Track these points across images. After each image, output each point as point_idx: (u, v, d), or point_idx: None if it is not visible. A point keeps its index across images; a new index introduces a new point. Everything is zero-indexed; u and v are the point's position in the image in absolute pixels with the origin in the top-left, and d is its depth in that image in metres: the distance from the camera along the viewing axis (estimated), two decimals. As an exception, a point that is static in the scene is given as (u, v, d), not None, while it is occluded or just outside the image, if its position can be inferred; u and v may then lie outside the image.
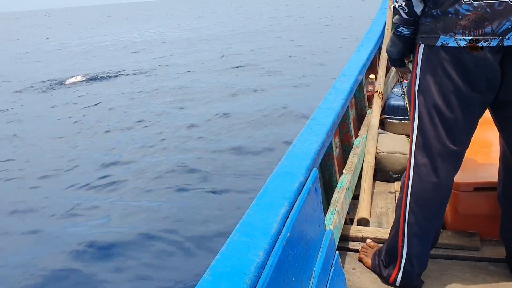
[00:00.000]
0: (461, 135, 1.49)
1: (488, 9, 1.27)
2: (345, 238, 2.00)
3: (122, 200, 4.73)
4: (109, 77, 12.25)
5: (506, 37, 1.28)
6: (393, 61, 1.64)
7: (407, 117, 3.06)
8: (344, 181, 2.07)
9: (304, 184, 1.45)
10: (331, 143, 2.09)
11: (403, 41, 1.54)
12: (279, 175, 1.47)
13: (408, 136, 2.60)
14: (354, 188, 2.19)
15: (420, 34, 1.44)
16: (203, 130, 6.78)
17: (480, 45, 1.30)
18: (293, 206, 1.30)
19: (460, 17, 1.31)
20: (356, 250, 1.95)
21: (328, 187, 2.16)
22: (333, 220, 1.74)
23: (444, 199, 1.59)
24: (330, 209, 1.83)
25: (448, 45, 1.34)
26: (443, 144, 1.48)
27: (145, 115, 8.02)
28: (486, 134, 1.96)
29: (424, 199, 1.56)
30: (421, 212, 1.57)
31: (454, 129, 1.46)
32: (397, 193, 2.37)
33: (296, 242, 1.24)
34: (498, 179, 1.71)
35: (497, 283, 1.69)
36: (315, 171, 1.55)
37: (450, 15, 1.32)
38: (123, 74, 12.49)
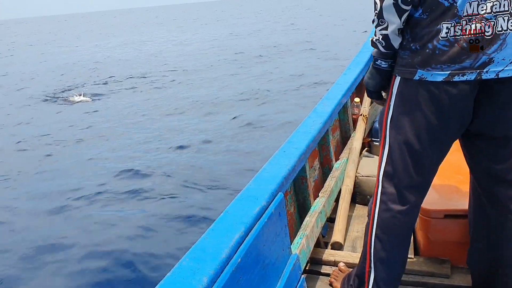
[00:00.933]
0: (429, 167, 1.50)
1: (464, 44, 1.28)
2: (317, 261, 2.00)
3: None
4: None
5: (484, 70, 1.28)
6: (370, 93, 1.63)
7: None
8: (318, 205, 2.08)
9: (266, 208, 1.47)
10: (304, 167, 2.11)
11: (381, 74, 1.53)
12: (242, 199, 1.49)
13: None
14: (329, 211, 2.20)
15: (397, 67, 1.44)
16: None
17: (457, 80, 1.30)
18: (250, 231, 1.32)
19: (437, 52, 1.31)
20: (328, 274, 1.95)
21: (302, 211, 2.17)
22: (301, 244, 1.75)
23: (410, 226, 1.60)
24: (299, 233, 1.84)
25: (426, 79, 1.34)
26: (411, 176, 1.49)
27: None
28: (461, 161, 1.97)
29: (390, 226, 1.57)
30: (387, 239, 1.58)
31: (423, 161, 1.47)
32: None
33: (249, 268, 1.25)
34: (468, 207, 1.72)
35: None
36: (280, 196, 1.57)
37: (428, 50, 1.33)
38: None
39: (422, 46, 1.34)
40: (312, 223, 1.92)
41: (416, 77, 1.36)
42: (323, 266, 2.00)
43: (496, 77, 1.28)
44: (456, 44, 1.29)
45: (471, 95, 1.34)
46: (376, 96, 1.64)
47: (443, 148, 1.48)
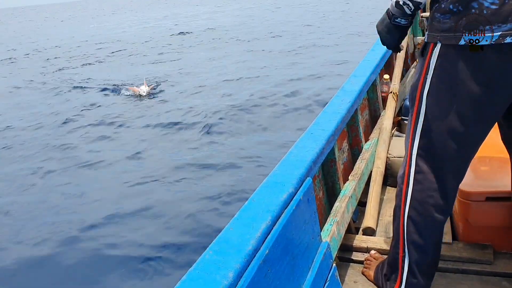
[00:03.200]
0: (471, 146, 1.36)
1: None
2: (348, 248, 1.91)
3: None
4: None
5: None
6: (387, 45, 1.59)
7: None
8: (348, 189, 1.97)
9: (294, 195, 1.37)
10: (332, 149, 2.00)
11: (401, 30, 1.48)
12: (268, 186, 1.40)
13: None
14: (359, 195, 2.09)
15: (437, 33, 1.27)
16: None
17: (509, 41, 1.13)
18: (277, 220, 1.23)
19: (485, 12, 1.15)
20: (360, 262, 1.85)
21: (331, 195, 2.07)
22: (331, 231, 1.66)
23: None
24: (329, 219, 1.75)
25: (476, 44, 1.18)
26: (450, 154, 1.36)
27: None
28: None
29: (424, 207, 1.45)
30: (420, 220, 1.47)
31: (464, 139, 1.33)
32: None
33: (278, 259, 1.17)
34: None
35: None
36: (308, 181, 1.47)
37: (473, 10, 1.17)
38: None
39: (465, 7, 1.18)
40: (342, 208, 1.82)
41: (462, 42, 1.20)
42: (354, 252, 1.90)
43: None
44: (509, 1, 1.12)
45: None
46: (394, 50, 1.60)
47: (489, 124, 1.33)
